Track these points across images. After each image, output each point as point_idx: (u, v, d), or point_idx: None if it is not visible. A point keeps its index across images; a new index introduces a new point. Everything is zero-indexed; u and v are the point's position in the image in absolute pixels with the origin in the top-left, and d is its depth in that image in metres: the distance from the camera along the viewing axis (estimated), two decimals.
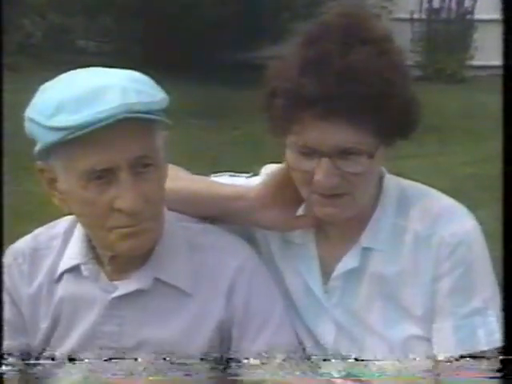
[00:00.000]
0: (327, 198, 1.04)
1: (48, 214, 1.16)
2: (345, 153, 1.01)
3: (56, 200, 1.02)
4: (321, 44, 1.01)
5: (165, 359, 0.96)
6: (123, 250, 1.02)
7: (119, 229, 0.99)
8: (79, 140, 0.94)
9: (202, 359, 0.98)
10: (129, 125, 0.95)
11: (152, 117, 0.96)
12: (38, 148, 0.98)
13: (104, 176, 0.96)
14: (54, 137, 0.95)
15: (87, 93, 0.94)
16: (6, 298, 1.10)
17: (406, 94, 1.03)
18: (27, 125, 0.98)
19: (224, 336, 1.07)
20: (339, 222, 1.10)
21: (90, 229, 1.04)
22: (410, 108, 1.04)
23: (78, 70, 1.01)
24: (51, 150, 0.97)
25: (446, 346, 1.06)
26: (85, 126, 0.93)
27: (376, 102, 0.99)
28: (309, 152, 1.02)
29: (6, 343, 1.08)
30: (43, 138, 0.97)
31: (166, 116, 1.01)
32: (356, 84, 0.98)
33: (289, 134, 1.03)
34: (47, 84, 1.00)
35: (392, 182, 1.13)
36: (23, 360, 0.98)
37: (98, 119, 0.92)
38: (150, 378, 0.96)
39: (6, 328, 1.09)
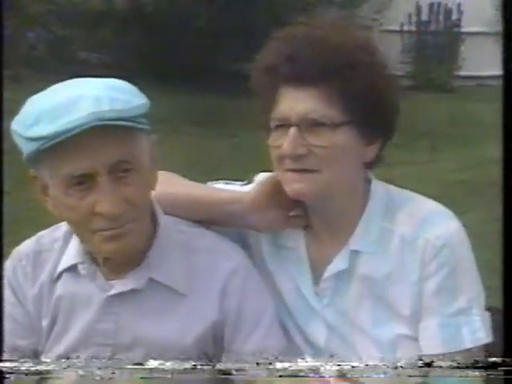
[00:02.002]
0: (296, 173, 1.08)
1: (49, 221, 1.18)
2: (311, 124, 1.07)
3: (49, 206, 1.06)
4: (298, 26, 1.12)
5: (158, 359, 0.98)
6: (107, 252, 1.05)
7: (101, 231, 1.02)
8: (58, 148, 0.97)
9: (196, 360, 1.00)
10: (104, 131, 0.97)
11: (124, 123, 0.98)
12: (24, 157, 1.02)
13: (84, 181, 0.99)
14: (31, 147, 0.98)
15: (63, 103, 0.97)
16: (13, 299, 1.13)
17: (374, 77, 1.08)
18: (12, 134, 1.02)
19: (217, 336, 1.10)
20: (308, 200, 1.12)
21: (77, 232, 1.07)
22: (379, 90, 1.08)
23: (64, 82, 1.04)
24: (38, 158, 1.00)
25: (431, 344, 1.09)
26: (57, 135, 0.95)
27: (340, 73, 1.05)
28: (282, 125, 1.09)
29: (18, 343, 1.11)
30: (24, 148, 1.00)
31: (148, 120, 1.03)
32: (322, 55, 1.06)
33: (269, 109, 1.10)
34: (34, 96, 1.03)
35: (379, 187, 1.17)
36: (26, 360, 1.00)
37: (68, 129, 0.95)
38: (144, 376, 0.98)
39: (16, 328, 1.12)
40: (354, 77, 1.06)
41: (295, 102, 1.07)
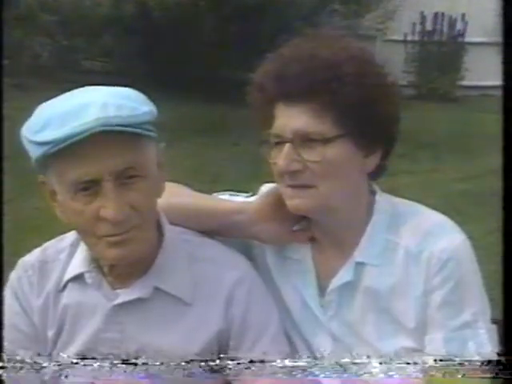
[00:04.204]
0: (295, 189, 1.10)
1: (54, 229, 1.19)
2: (304, 139, 1.08)
3: (57, 211, 1.07)
4: (288, 44, 1.13)
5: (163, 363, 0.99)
6: (112, 258, 1.05)
7: (106, 237, 1.02)
8: (65, 153, 0.98)
9: (200, 361, 1.00)
10: (111, 138, 0.98)
11: (130, 129, 0.98)
12: (32, 162, 1.03)
13: (90, 187, 1.00)
14: (39, 151, 0.99)
15: (70, 110, 0.99)
16: (18, 309, 1.14)
17: (367, 88, 1.07)
18: (22, 140, 1.03)
19: (222, 345, 1.10)
20: (308, 215, 1.13)
21: (83, 238, 1.08)
22: (373, 101, 1.08)
23: (74, 90, 1.06)
24: (45, 163, 1.01)
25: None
26: (63, 140, 0.97)
27: (328, 87, 1.06)
28: (278, 141, 1.10)
29: (21, 353, 1.09)
30: (32, 153, 1.01)
31: (155, 128, 1.04)
32: (308, 70, 1.06)
33: (268, 126, 1.11)
34: (44, 103, 1.05)
35: (384, 199, 1.17)
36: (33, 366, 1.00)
37: (75, 133, 0.96)
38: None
39: (20, 338, 1.12)
40: (343, 90, 1.06)
41: (288, 119, 1.08)
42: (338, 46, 1.11)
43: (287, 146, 1.08)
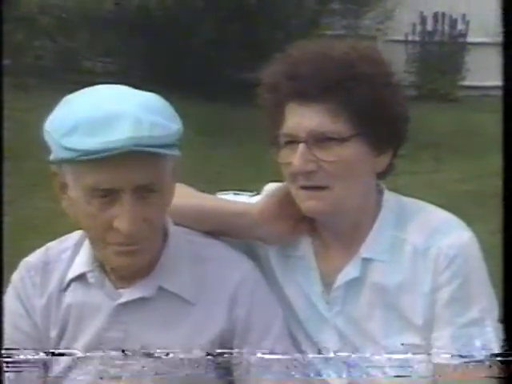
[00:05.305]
0: (309, 191, 1.09)
1: (54, 229, 1.19)
2: (319, 139, 1.07)
3: (64, 203, 1.06)
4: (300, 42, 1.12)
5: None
6: (117, 266, 1.06)
7: (116, 246, 1.03)
8: (89, 160, 0.97)
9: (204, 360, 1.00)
10: (138, 155, 0.98)
11: (160, 151, 0.99)
12: (51, 157, 1.03)
13: (108, 195, 1.00)
14: (64, 155, 0.99)
15: (102, 118, 0.97)
16: (21, 311, 1.13)
17: (379, 88, 1.07)
18: (45, 134, 1.02)
19: (225, 345, 1.10)
20: (323, 217, 1.13)
21: (91, 239, 1.08)
22: (385, 101, 1.08)
23: (101, 87, 1.04)
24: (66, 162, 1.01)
25: (443, 354, 1.08)
26: (94, 152, 0.96)
27: (342, 87, 1.05)
28: (291, 141, 1.09)
29: (23, 354, 1.09)
30: (56, 153, 1.01)
31: (179, 142, 1.02)
32: (321, 69, 1.06)
33: (278, 126, 1.11)
34: (69, 97, 1.03)
35: (391, 196, 1.17)
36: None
37: (106, 148, 0.96)
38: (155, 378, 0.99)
39: (24, 340, 1.12)
40: (357, 89, 1.06)
41: (302, 118, 1.08)
42: (347, 46, 1.11)
43: (302, 145, 1.07)
